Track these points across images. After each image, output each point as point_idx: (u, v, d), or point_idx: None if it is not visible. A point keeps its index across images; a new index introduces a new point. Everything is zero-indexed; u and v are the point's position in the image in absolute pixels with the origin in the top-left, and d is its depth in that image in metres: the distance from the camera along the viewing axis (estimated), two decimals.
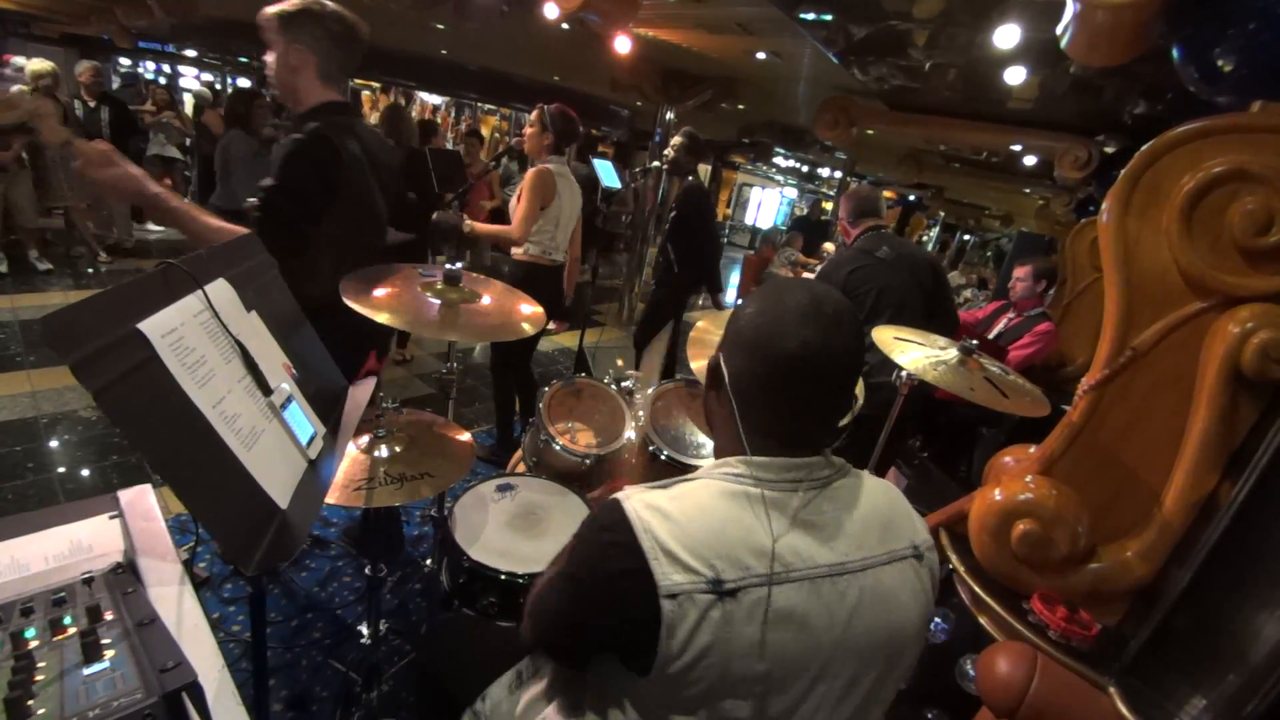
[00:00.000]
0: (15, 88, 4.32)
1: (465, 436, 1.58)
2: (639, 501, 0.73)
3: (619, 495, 0.76)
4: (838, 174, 11.96)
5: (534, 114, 2.70)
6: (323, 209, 1.48)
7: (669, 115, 6.04)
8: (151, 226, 6.35)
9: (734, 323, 0.80)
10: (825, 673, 0.72)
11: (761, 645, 0.68)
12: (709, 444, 1.91)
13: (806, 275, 5.17)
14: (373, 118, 11.08)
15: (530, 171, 2.70)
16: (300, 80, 1.51)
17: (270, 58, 1.51)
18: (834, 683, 0.73)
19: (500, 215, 5.62)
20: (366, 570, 1.64)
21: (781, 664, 0.69)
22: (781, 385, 0.74)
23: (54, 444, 2.79)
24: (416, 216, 3.04)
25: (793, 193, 17.22)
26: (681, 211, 3.79)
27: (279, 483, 0.90)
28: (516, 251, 2.82)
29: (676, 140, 3.60)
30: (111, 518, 0.94)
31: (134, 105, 6.29)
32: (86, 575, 0.76)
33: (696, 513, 0.72)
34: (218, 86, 10.92)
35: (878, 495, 0.81)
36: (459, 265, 1.57)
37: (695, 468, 1.82)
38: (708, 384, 0.85)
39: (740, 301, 0.82)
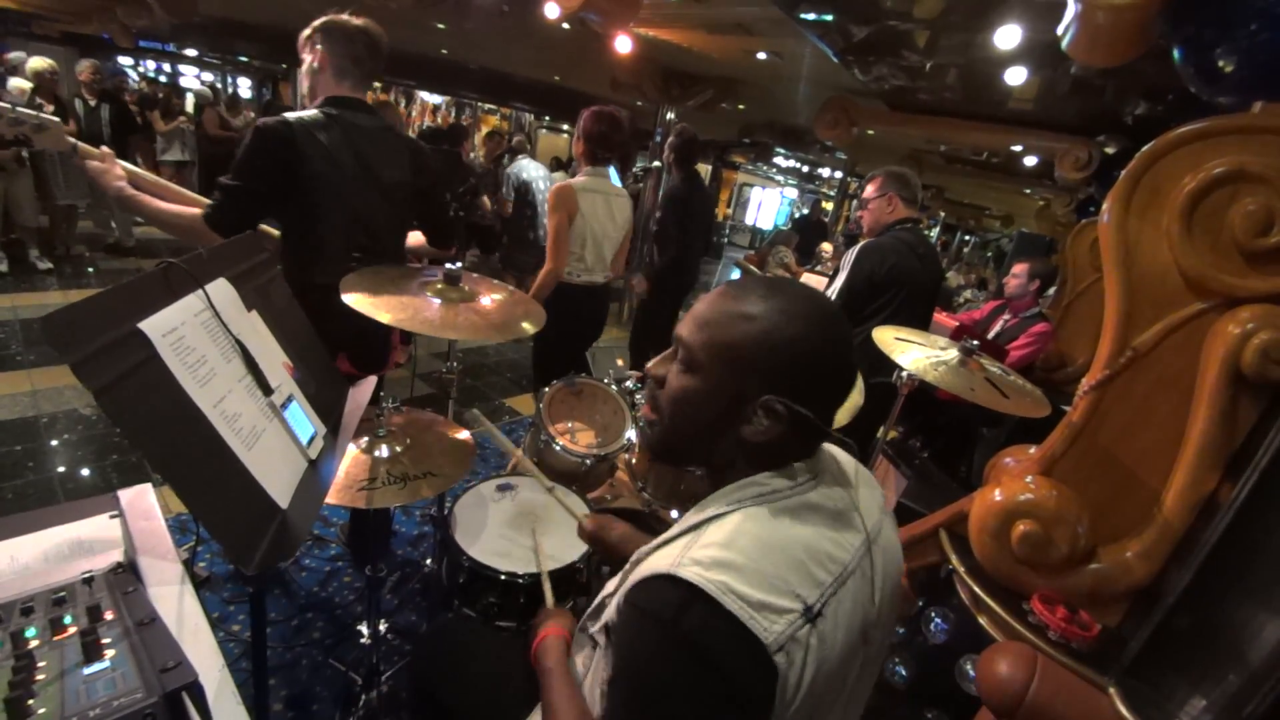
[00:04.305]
0: (13, 82, 4.30)
1: (465, 436, 1.58)
2: (695, 567, 0.64)
3: (662, 572, 0.65)
4: (838, 174, 11.97)
5: None
6: (277, 192, 1.52)
7: (669, 115, 6.04)
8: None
9: (770, 345, 0.71)
10: (870, 645, 0.75)
11: (845, 648, 0.68)
12: None
13: (811, 276, 5.14)
14: None
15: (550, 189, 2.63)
16: (318, 79, 1.66)
17: (302, 69, 1.69)
18: (872, 650, 0.76)
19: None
20: (366, 570, 1.64)
21: (852, 654, 0.70)
22: (837, 394, 0.75)
23: (54, 443, 2.79)
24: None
25: (793, 193, 17.21)
26: (661, 218, 3.84)
27: (279, 482, 0.90)
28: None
29: (670, 139, 3.65)
30: (112, 517, 0.94)
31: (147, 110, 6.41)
32: (87, 575, 0.76)
33: (759, 549, 0.66)
34: (218, 86, 10.94)
35: (848, 460, 0.83)
36: (459, 265, 1.57)
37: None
38: (746, 420, 0.72)
39: (754, 313, 0.72)
